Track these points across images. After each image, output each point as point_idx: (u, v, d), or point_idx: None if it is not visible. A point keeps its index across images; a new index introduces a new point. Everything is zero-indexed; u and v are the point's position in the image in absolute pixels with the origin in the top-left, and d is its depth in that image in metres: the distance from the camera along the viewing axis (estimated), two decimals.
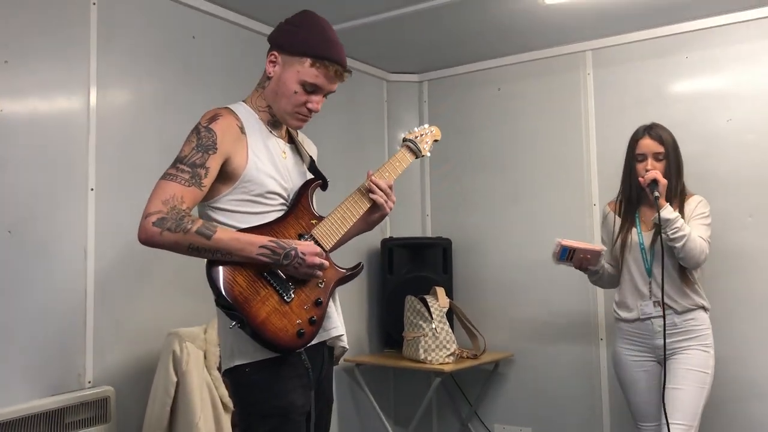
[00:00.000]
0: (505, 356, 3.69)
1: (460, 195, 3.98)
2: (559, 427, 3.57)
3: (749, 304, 3.15)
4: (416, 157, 2.15)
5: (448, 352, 3.37)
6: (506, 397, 3.75)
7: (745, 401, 3.12)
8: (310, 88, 1.89)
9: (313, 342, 1.86)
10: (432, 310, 3.40)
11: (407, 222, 4.05)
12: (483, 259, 3.86)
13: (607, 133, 3.53)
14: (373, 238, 3.85)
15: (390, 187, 2.01)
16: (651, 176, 2.63)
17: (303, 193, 1.94)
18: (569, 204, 3.61)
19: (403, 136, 2.17)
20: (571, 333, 3.56)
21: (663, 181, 2.62)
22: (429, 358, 3.35)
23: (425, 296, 3.47)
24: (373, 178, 1.98)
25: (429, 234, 4.05)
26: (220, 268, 1.75)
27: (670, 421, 2.53)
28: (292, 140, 2.03)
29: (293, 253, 1.79)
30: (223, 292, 1.73)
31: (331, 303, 1.95)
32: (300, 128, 2.02)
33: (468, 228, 3.92)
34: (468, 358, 3.51)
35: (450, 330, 3.43)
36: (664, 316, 2.64)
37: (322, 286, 1.88)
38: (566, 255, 2.80)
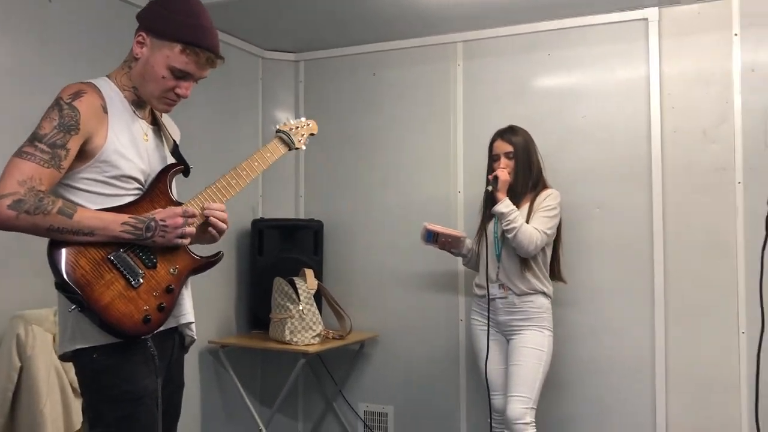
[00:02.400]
0: (370, 337, 3.79)
1: (334, 178, 4.01)
2: (421, 406, 3.72)
3: (598, 289, 3.39)
4: (289, 150, 2.15)
5: (314, 334, 3.42)
6: (371, 377, 3.85)
7: (592, 377, 3.39)
8: (180, 74, 1.85)
9: (162, 328, 1.84)
10: (300, 291, 3.43)
11: (280, 203, 4.05)
12: (354, 241, 3.92)
13: (473, 123, 3.67)
14: (243, 219, 3.81)
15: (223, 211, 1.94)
16: (495, 174, 2.96)
17: (161, 178, 1.91)
18: (437, 191, 3.73)
19: (277, 126, 2.16)
20: (435, 315, 3.71)
21: (503, 178, 2.94)
22: (295, 340, 3.38)
23: (294, 278, 3.49)
24: (207, 206, 1.91)
25: (302, 216, 4.06)
26: (63, 250, 1.70)
27: (511, 394, 2.85)
28: (155, 122, 1.98)
29: (153, 224, 1.76)
30: (64, 275, 1.68)
31: (184, 290, 1.93)
32: (167, 112, 1.98)
33: (340, 211, 3.97)
34: (334, 338, 3.58)
35: (317, 311, 3.47)
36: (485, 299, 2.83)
37: (174, 273, 1.85)
38: (431, 238, 3.17)
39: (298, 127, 2.19)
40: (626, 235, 3.35)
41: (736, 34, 3.20)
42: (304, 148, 2.20)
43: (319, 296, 3.61)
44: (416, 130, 3.81)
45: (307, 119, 2.24)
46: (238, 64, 3.89)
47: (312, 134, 2.24)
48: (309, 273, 3.53)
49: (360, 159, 3.94)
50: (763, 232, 2.01)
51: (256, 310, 3.72)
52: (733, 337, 3.12)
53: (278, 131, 2.15)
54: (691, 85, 3.28)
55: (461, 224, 3.61)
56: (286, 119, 2.25)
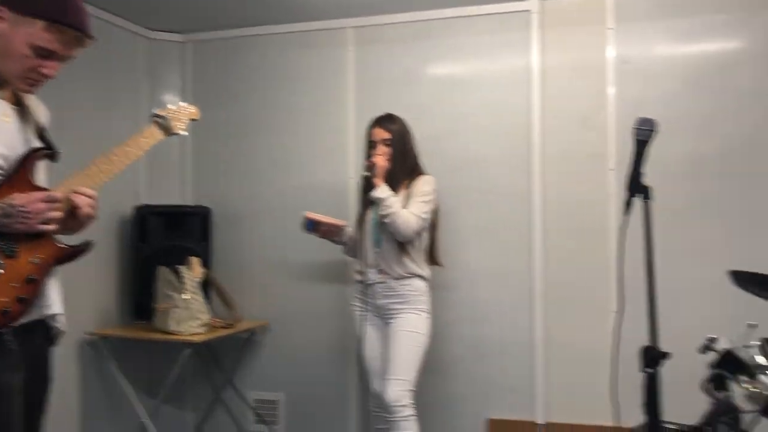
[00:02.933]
0: (260, 325, 3.74)
1: (224, 163, 3.92)
2: (311, 392, 3.72)
3: (479, 273, 3.50)
4: (167, 135, 2.07)
5: (200, 323, 3.34)
6: (261, 365, 3.81)
7: (474, 358, 3.50)
8: (43, 53, 1.74)
9: (26, 320, 1.75)
10: (184, 280, 3.34)
11: (164, 188, 3.91)
12: (244, 228, 3.85)
13: (365, 110, 3.65)
14: (124, 205, 3.66)
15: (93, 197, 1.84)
16: (372, 160, 2.98)
17: (24, 162, 1.79)
18: (329, 177, 3.72)
19: (154, 111, 2.08)
20: (325, 302, 3.71)
21: (379, 165, 2.97)
22: (180, 329, 3.30)
23: (178, 266, 3.39)
24: (75, 190, 1.81)
25: (189, 202, 3.94)
26: None
27: (388, 377, 2.89)
28: (19, 103, 1.85)
29: (11, 209, 1.66)
30: None
31: (50, 281, 1.83)
32: (31, 93, 1.85)
33: (230, 197, 3.89)
34: (221, 327, 3.51)
35: (203, 300, 3.39)
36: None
37: (36, 262, 1.75)
38: (312, 227, 3.16)
39: (177, 112, 2.12)
40: (507, 219, 3.47)
41: (610, 28, 3.36)
42: (184, 133, 2.13)
43: (208, 284, 3.53)
44: (308, 115, 3.78)
45: (188, 104, 2.17)
46: (120, 45, 3.72)
47: (193, 119, 2.17)
48: (195, 261, 3.45)
49: (250, 144, 3.87)
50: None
51: (140, 299, 3.59)
52: (607, 316, 3.29)
53: (155, 116, 2.07)
54: (569, 76, 3.42)
55: (354, 211, 3.61)
56: (166, 104, 2.17)
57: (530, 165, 3.43)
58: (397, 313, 2.98)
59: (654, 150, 3.26)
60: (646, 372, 2.04)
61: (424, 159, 3.15)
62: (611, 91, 3.36)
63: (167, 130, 2.08)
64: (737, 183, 3.22)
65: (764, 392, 1.39)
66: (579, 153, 3.39)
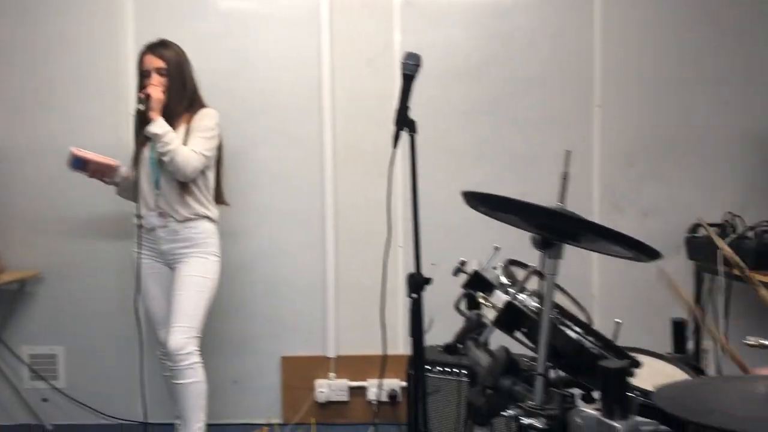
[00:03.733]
0: (31, 275, 3.44)
1: None
2: (93, 345, 3.51)
3: (271, 214, 3.47)
4: None
5: None
6: (36, 318, 3.52)
7: (268, 299, 3.49)
8: None
9: None
10: None
11: None
12: (12, 173, 3.47)
13: (145, 39, 3.41)
14: None
15: None
16: (146, 92, 2.75)
17: None
18: (103, 112, 3.44)
19: None
20: (106, 250, 3.47)
21: (156, 97, 2.74)
22: None
23: None
24: None
25: None
26: None
27: (172, 325, 2.76)
28: None
29: None
30: None
31: None
32: None
33: None
34: None
35: None
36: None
37: None
38: (79, 164, 2.88)
39: None
40: (298, 160, 3.46)
41: None
42: None
43: None
44: (81, 47, 3.45)
45: None
46: None
47: None
48: None
49: (14, 79, 3.47)
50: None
51: None
52: (394, 252, 3.42)
53: None
54: (358, 15, 3.43)
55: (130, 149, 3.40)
56: None
57: (321, 105, 3.43)
58: (183, 258, 2.84)
59: (436, 92, 3.45)
60: (411, 297, 2.15)
61: (211, 97, 3.00)
62: (396, 32, 3.42)
63: None
64: (511, 124, 3.45)
65: (497, 305, 1.50)
66: (368, 95, 3.44)
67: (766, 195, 3.27)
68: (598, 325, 1.60)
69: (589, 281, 3.48)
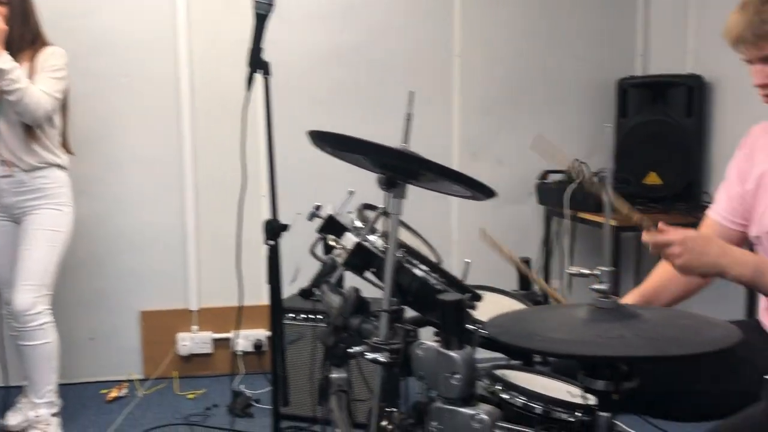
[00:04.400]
0: None
1: None
2: None
3: (127, 162, 3.30)
4: None
5: None
6: None
7: (124, 251, 3.35)
8: None
9: None
10: None
11: None
12: None
13: None
14: None
15: None
16: None
17: None
18: None
19: None
20: None
21: (1, 28, 2.45)
22: None
23: None
24: None
25: None
26: None
27: (19, 284, 2.57)
28: None
29: None
30: None
31: None
32: None
33: None
34: None
35: None
36: None
37: None
38: None
39: None
40: (154, 104, 3.30)
41: None
42: None
43: None
44: None
45: None
46: None
47: None
48: None
49: None
50: None
51: None
52: (257, 200, 3.37)
53: None
54: None
55: None
56: None
57: (176, 47, 3.27)
58: (32, 210, 2.63)
59: (295, 36, 3.39)
60: (267, 244, 2.13)
61: (58, 38, 2.74)
62: None
63: None
64: (371, 71, 3.46)
65: (347, 247, 1.51)
66: (226, 38, 3.31)
67: (610, 142, 3.48)
68: (457, 267, 1.66)
69: (449, 227, 3.61)
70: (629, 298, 1.66)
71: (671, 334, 1.00)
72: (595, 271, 1.09)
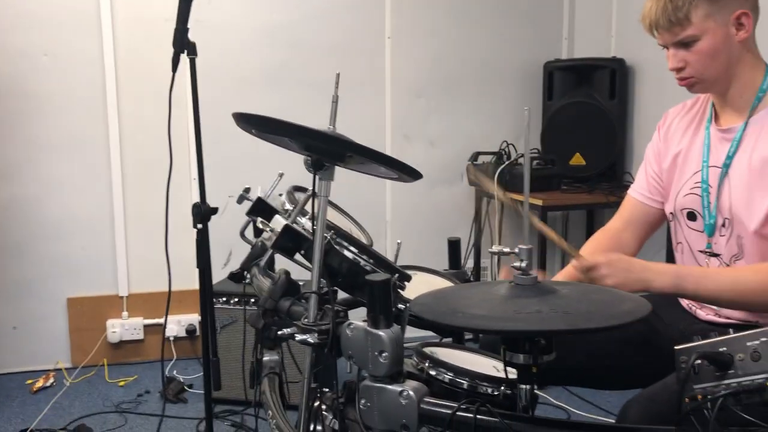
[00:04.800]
0: None
1: None
2: None
3: (51, 146, 3.19)
4: None
5: None
6: None
7: (50, 237, 3.24)
8: None
9: None
10: None
11: None
12: None
13: None
14: None
15: None
16: None
17: None
18: None
19: None
20: None
21: None
22: None
23: None
24: None
25: None
26: None
27: None
28: None
29: None
30: None
31: None
32: None
33: None
34: None
35: None
36: None
37: None
38: None
39: None
40: (78, 85, 3.20)
41: None
42: None
43: None
44: None
45: None
46: None
47: None
48: None
49: None
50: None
51: None
52: (188, 183, 3.31)
53: None
54: None
55: None
56: None
57: (101, 26, 3.18)
58: None
59: (225, 16, 3.32)
60: (196, 228, 2.11)
61: None
62: None
63: None
64: (303, 53, 3.43)
65: (276, 229, 1.51)
66: (152, 16, 3.22)
67: (537, 124, 3.57)
68: (390, 248, 1.68)
69: (383, 208, 3.63)
70: (564, 273, 1.71)
71: (585, 308, 1.05)
72: (515, 250, 1.13)
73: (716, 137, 1.61)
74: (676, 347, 1.06)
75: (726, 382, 1.00)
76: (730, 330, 1.04)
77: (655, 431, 1.16)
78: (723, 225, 1.57)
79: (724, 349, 1.02)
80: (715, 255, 1.60)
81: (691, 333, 1.13)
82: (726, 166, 1.56)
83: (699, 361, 1.03)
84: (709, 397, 1.00)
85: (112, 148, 3.25)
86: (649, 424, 1.30)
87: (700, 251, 1.63)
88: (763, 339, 0.99)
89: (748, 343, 1.01)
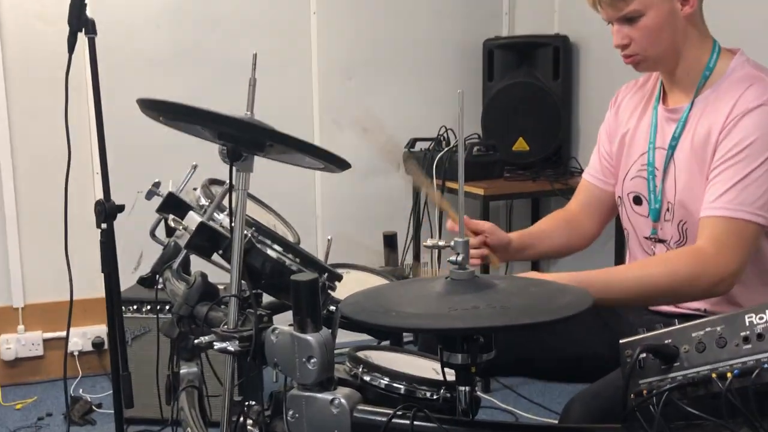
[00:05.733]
0: None
1: None
2: None
3: None
4: None
5: None
6: None
7: None
8: None
9: None
10: None
11: None
12: None
13: None
14: None
15: None
16: None
17: None
18: None
19: None
20: None
21: None
22: None
23: None
24: None
25: None
26: None
27: None
28: None
29: None
30: None
31: None
32: None
33: None
34: None
35: None
36: None
37: None
38: None
39: None
40: None
41: None
42: None
43: None
44: None
45: None
46: None
47: None
48: None
49: None
50: None
51: None
52: (91, 178, 3.23)
53: None
54: None
55: None
56: None
57: None
58: None
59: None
60: (100, 228, 2.07)
61: None
62: None
63: None
64: (217, 31, 3.40)
65: (190, 227, 1.49)
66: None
67: (478, 109, 3.63)
68: (321, 246, 1.68)
69: (312, 202, 3.63)
70: (513, 235, 1.75)
71: (523, 303, 1.08)
72: (451, 243, 1.15)
73: (663, 117, 1.67)
74: (620, 341, 1.11)
75: (672, 375, 1.05)
76: (675, 321, 1.09)
77: (601, 429, 1.21)
78: (668, 209, 1.64)
79: (669, 341, 1.07)
80: (661, 241, 1.67)
81: (639, 325, 1.17)
82: (672, 148, 1.63)
83: (644, 355, 1.07)
84: (654, 392, 1.04)
85: (1, 141, 3.15)
86: (592, 422, 1.35)
87: (645, 237, 1.70)
88: (708, 329, 1.04)
89: (693, 334, 1.06)
